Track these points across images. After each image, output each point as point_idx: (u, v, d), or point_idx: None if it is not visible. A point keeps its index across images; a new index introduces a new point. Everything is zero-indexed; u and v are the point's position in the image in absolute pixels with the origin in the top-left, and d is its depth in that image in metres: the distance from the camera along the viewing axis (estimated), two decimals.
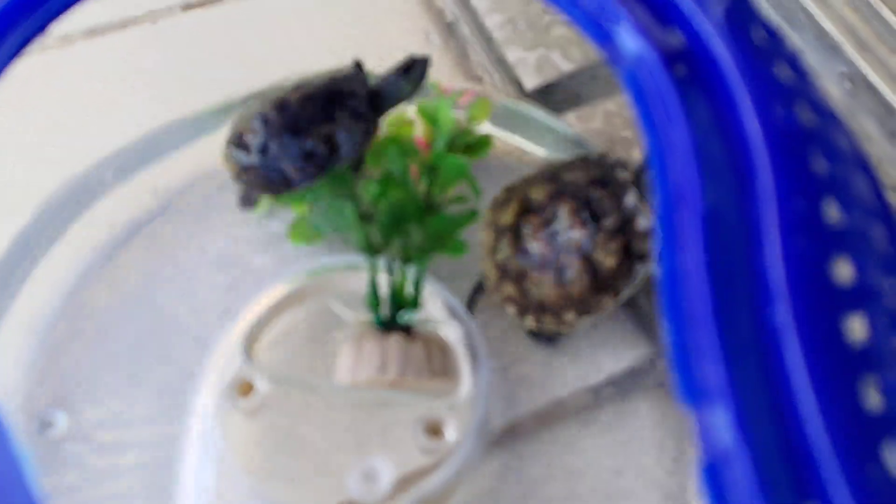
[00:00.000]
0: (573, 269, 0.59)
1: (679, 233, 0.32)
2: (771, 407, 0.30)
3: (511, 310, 0.63)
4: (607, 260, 0.59)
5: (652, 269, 0.62)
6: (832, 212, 0.33)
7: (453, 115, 0.65)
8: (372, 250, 0.58)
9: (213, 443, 0.56)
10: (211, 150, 0.71)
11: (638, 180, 0.61)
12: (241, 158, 0.61)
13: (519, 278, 0.61)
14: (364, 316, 0.59)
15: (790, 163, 0.33)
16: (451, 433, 0.56)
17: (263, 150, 0.60)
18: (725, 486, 0.27)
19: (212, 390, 0.57)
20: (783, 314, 0.30)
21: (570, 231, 0.59)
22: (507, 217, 0.62)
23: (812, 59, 0.78)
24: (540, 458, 0.61)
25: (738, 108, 0.35)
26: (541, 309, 0.62)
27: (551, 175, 0.62)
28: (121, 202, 0.69)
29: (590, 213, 0.59)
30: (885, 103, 0.73)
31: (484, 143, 0.67)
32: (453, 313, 0.61)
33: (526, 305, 0.62)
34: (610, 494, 0.60)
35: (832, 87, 0.75)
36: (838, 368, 0.29)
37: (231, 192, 0.69)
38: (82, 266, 0.66)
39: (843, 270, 0.33)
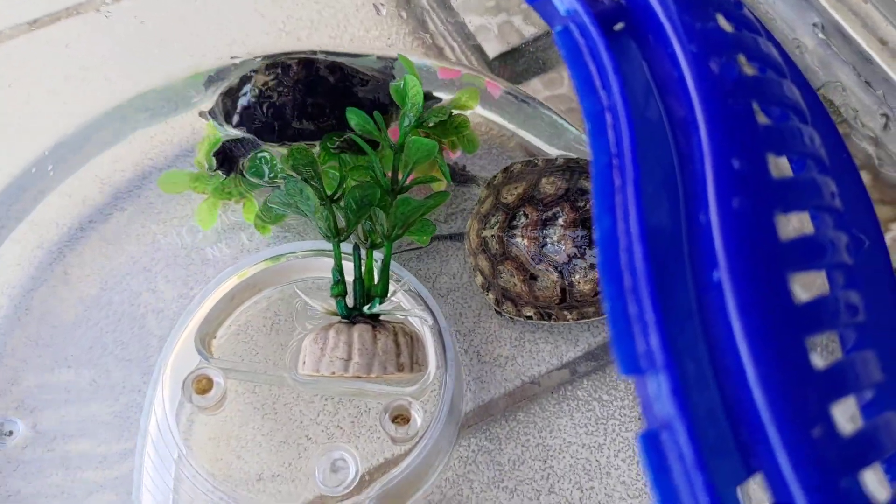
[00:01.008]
0: (547, 281, 0.60)
1: (613, 199, 0.32)
2: (713, 374, 0.30)
3: (478, 279, 0.64)
4: (584, 286, 0.60)
5: None
6: (775, 166, 0.33)
7: (421, 92, 0.64)
8: (336, 236, 0.58)
9: (171, 443, 0.56)
10: (157, 137, 0.71)
11: None
12: (244, 101, 0.62)
13: (495, 259, 0.62)
14: (328, 305, 0.59)
15: (728, 118, 0.33)
16: (418, 420, 0.56)
17: (275, 93, 0.62)
18: (665, 455, 0.27)
19: (168, 389, 0.57)
20: (722, 275, 0.30)
21: (559, 244, 0.59)
22: (511, 195, 0.63)
23: (784, 10, 0.78)
24: (515, 438, 0.61)
25: (677, 64, 0.35)
26: (504, 295, 0.63)
27: (571, 173, 0.62)
28: (66, 198, 0.68)
29: (586, 235, 0.59)
30: (859, 52, 0.73)
31: (462, 124, 0.65)
32: (421, 301, 0.61)
33: (493, 285, 0.63)
34: (590, 471, 0.60)
35: (806, 38, 0.75)
36: (781, 328, 0.29)
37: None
38: (32, 268, 0.66)
39: (788, 226, 0.33)
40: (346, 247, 0.61)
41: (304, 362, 0.56)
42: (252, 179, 0.61)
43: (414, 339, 0.58)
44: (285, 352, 0.61)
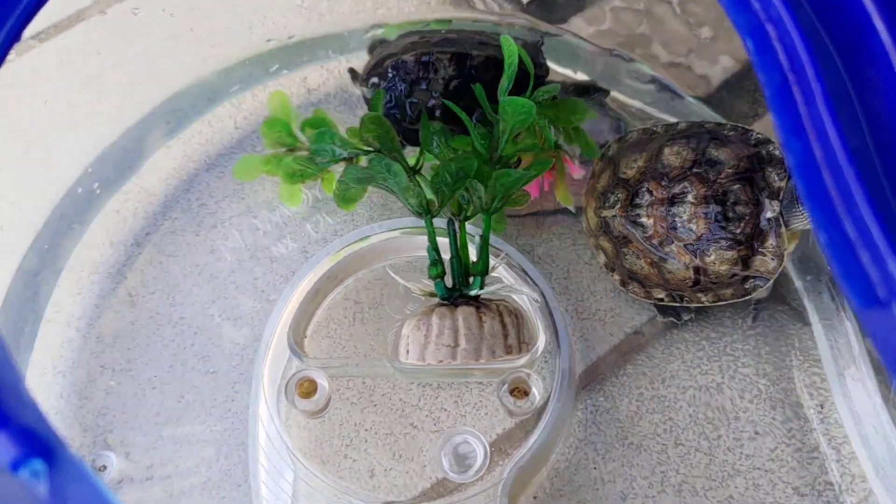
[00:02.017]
0: (678, 263, 0.56)
1: (801, 119, 0.29)
2: None
3: (600, 259, 0.60)
4: (720, 267, 0.55)
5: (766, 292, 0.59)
6: None
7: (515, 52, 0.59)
8: (429, 212, 0.55)
9: (283, 451, 0.54)
10: (196, 139, 0.68)
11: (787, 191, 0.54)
12: (391, 95, 0.61)
13: (618, 241, 0.58)
14: (424, 286, 0.55)
15: None
16: (537, 392, 0.54)
17: (425, 94, 0.61)
18: None
19: (270, 396, 0.55)
20: None
21: (690, 223, 0.54)
22: (630, 169, 0.58)
23: None
24: (629, 393, 0.59)
25: None
26: (631, 276, 0.59)
27: (698, 140, 0.56)
28: (115, 215, 0.65)
29: (721, 211, 0.54)
30: None
31: (579, 110, 0.59)
32: (522, 272, 0.58)
33: (616, 266, 0.59)
34: (710, 418, 0.58)
35: None
36: None
37: (228, 176, 0.66)
38: (94, 295, 0.63)
39: None
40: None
41: (408, 351, 0.54)
42: (319, 161, 0.57)
43: (519, 317, 0.54)
44: (378, 341, 0.59)
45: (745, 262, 0.55)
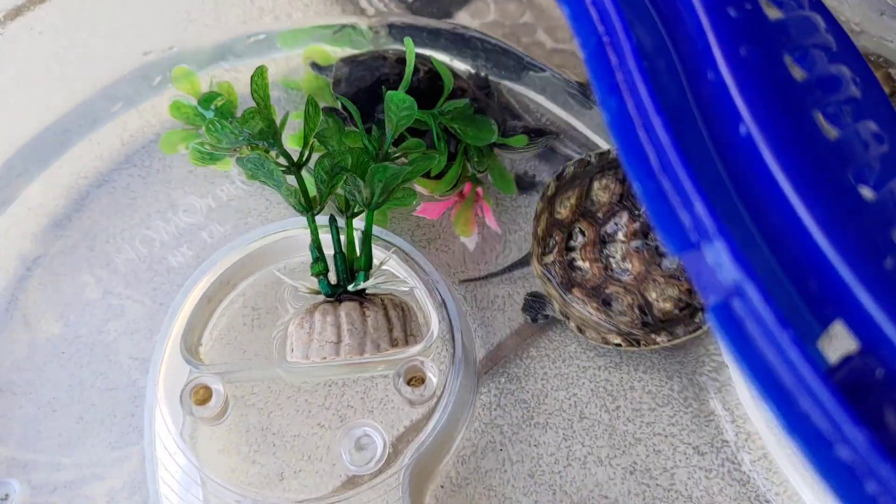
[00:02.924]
0: (622, 305, 0.55)
1: (614, 77, 0.30)
2: (760, 236, 0.29)
3: (555, 306, 0.58)
4: (664, 304, 0.54)
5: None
6: (772, 11, 0.32)
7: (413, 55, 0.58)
8: (309, 209, 0.55)
9: (187, 463, 0.54)
10: (86, 156, 0.67)
11: None
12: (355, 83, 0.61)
13: (563, 287, 0.57)
14: (311, 285, 0.56)
15: None
16: (434, 378, 0.55)
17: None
18: (741, 322, 0.26)
19: (166, 407, 0.54)
20: (750, 127, 0.28)
21: (624, 262, 0.53)
22: (564, 208, 0.56)
23: None
24: (533, 374, 0.60)
25: None
26: (583, 323, 0.57)
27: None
28: (2, 238, 0.64)
29: (654, 246, 0.52)
30: None
31: (485, 129, 0.59)
32: (412, 265, 0.59)
33: (569, 313, 0.58)
34: (610, 391, 0.59)
35: None
36: (822, 164, 0.28)
37: (120, 190, 0.65)
38: None
39: (797, 70, 0.32)
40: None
41: (293, 350, 0.54)
42: (212, 147, 0.56)
43: (406, 311, 0.55)
44: (275, 343, 0.59)
45: (690, 294, 0.53)
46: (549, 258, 0.56)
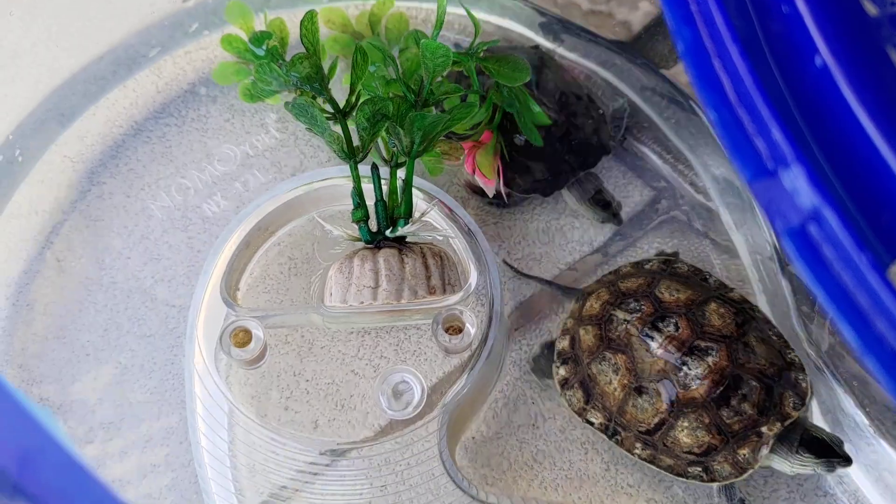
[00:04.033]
0: (650, 405, 0.53)
1: (689, 7, 0.30)
2: (837, 163, 0.29)
3: (562, 343, 0.58)
4: (683, 437, 0.52)
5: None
6: None
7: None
8: (352, 156, 0.55)
9: (220, 403, 0.54)
10: (120, 102, 0.67)
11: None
12: None
13: (607, 342, 0.55)
14: (351, 232, 0.56)
15: None
16: (472, 328, 0.55)
17: None
18: (817, 246, 0.26)
19: (206, 349, 0.55)
20: (826, 58, 0.29)
21: (694, 381, 0.52)
22: (672, 295, 0.55)
23: None
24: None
25: None
26: (583, 382, 0.56)
27: (745, 319, 0.54)
28: (39, 185, 0.65)
29: (728, 395, 0.51)
30: None
31: (521, 69, 0.57)
32: (451, 217, 0.59)
33: (577, 361, 0.56)
34: None
35: None
36: (894, 98, 0.28)
37: (156, 139, 0.65)
38: (21, 261, 0.62)
39: (869, 6, 0.32)
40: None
41: (331, 294, 0.55)
42: (262, 88, 0.56)
43: (444, 260, 0.56)
44: (312, 290, 0.59)
45: (709, 451, 0.52)
46: (623, 315, 0.55)
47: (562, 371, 0.57)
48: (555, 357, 0.57)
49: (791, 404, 0.52)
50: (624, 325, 0.55)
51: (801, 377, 0.53)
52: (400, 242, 0.55)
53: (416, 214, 0.56)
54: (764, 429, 0.51)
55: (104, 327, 0.60)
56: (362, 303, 0.53)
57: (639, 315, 0.54)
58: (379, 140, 0.57)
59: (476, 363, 0.54)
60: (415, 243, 0.55)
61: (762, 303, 0.59)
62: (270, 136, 0.66)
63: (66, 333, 0.60)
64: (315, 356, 0.59)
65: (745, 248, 0.61)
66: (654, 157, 0.64)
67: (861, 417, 0.55)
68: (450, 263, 0.55)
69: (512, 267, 0.62)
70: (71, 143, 0.66)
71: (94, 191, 0.65)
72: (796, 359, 0.54)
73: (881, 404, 0.56)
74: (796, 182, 0.27)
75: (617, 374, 0.54)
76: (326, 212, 0.60)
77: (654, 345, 0.53)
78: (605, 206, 0.62)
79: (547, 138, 0.60)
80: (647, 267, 0.59)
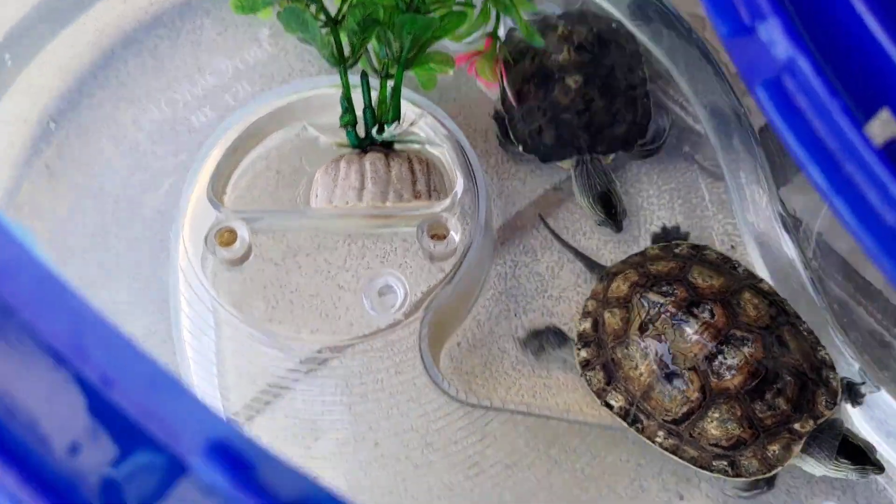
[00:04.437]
0: (679, 393, 0.51)
1: None
2: (811, 20, 0.29)
3: (583, 325, 0.56)
4: (712, 429, 0.51)
5: None
6: None
7: None
8: (343, 62, 0.55)
9: (206, 303, 0.55)
10: (110, 13, 0.67)
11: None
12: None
13: (637, 325, 0.53)
14: (339, 138, 0.57)
15: None
16: (456, 235, 0.56)
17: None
18: (791, 96, 0.27)
19: (191, 250, 0.55)
20: None
21: (729, 371, 0.50)
22: (705, 281, 0.54)
23: None
24: (549, 247, 0.61)
25: None
26: (604, 366, 0.55)
27: (778, 313, 0.53)
28: (27, 94, 0.65)
29: (763, 387, 0.50)
30: None
31: None
32: (441, 128, 0.59)
33: (600, 344, 0.55)
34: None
35: None
36: None
37: (147, 52, 0.65)
38: (10, 167, 0.62)
39: None
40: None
41: (317, 195, 0.55)
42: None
43: (431, 167, 0.56)
44: (299, 194, 0.59)
45: (738, 445, 0.51)
46: (655, 298, 0.53)
47: (583, 353, 0.55)
48: (576, 339, 0.56)
49: (824, 403, 0.51)
50: (657, 308, 0.53)
51: (831, 375, 0.52)
52: (387, 148, 0.55)
53: (405, 124, 0.57)
54: (797, 426, 0.50)
55: (91, 232, 0.61)
56: (347, 203, 0.53)
57: (673, 299, 0.52)
58: (371, 50, 0.57)
59: (460, 267, 0.55)
60: (402, 150, 0.56)
61: (743, 222, 0.60)
62: (263, 49, 0.66)
63: (53, 237, 0.61)
64: (300, 267, 0.59)
65: (729, 172, 0.62)
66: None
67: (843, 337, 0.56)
68: (436, 171, 0.56)
69: (547, 225, 0.61)
70: (61, 52, 0.66)
71: (83, 101, 0.65)
72: (827, 357, 0.53)
73: (863, 329, 0.57)
74: (772, 33, 0.27)
75: (645, 360, 0.52)
76: (315, 121, 0.60)
77: (689, 330, 0.51)
78: (608, 209, 0.59)
79: (569, 106, 0.60)
80: (676, 251, 0.57)
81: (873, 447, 0.52)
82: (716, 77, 0.62)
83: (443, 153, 0.58)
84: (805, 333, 0.54)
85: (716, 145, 0.62)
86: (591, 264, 0.59)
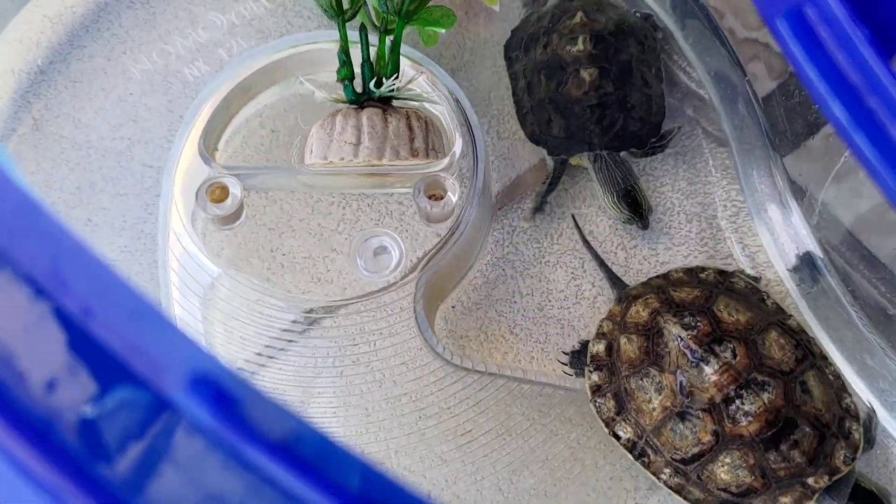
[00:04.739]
0: (691, 433, 0.49)
1: None
2: None
3: (596, 348, 0.54)
4: (722, 474, 0.49)
5: None
6: None
7: None
8: (341, 13, 0.54)
9: (196, 261, 0.53)
10: None
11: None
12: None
13: (654, 358, 0.51)
14: (336, 95, 0.55)
15: None
16: (453, 196, 0.54)
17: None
18: (813, 27, 0.25)
19: (182, 206, 0.54)
20: None
21: (746, 417, 0.48)
22: (731, 315, 0.51)
23: None
24: (550, 212, 0.59)
25: None
26: (616, 395, 0.52)
27: (805, 353, 0.50)
28: (17, 45, 0.63)
29: (779, 437, 0.48)
30: None
31: None
32: (441, 86, 0.57)
33: (612, 370, 0.52)
34: (629, 229, 0.59)
35: None
36: None
37: (139, 3, 0.64)
38: None
39: None
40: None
41: (312, 151, 0.54)
42: None
43: (429, 125, 0.55)
44: (294, 151, 0.58)
45: (747, 493, 0.48)
46: (677, 330, 0.50)
47: (594, 377, 0.52)
48: (587, 360, 0.53)
49: (842, 458, 0.49)
50: (676, 342, 0.50)
51: (854, 427, 0.50)
52: (385, 104, 0.54)
53: (404, 81, 0.55)
54: (811, 480, 0.48)
55: (77, 185, 0.59)
56: (342, 159, 0.52)
57: (694, 333, 0.50)
58: (370, 4, 0.55)
59: (457, 228, 0.54)
60: (400, 107, 0.54)
61: (747, 188, 0.59)
62: (259, 4, 0.64)
63: (37, 190, 0.59)
64: (293, 229, 0.58)
65: (734, 138, 0.60)
66: None
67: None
68: (434, 129, 0.54)
69: (579, 229, 0.59)
70: (51, 2, 0.64)
71: (74, 53, 0.63)
72: (852, 405, 0.51)
73: (867, 302, 0.56)
74: None
75: (660, 394, 0.50)
76: (312, 77, 0.59)
77: (708, 370, 0.49)
78: (634, 207, 0.57)
79: (581, 99, 0.58)
80: (702, 276, 0.55)
81: (887, 491, 0.50)
82: (720, 43, 0.61)
83: (442, 112, 0.57)
84: (831, 378, 0.51)
85: (720, 110, 0.61)
86: (613, 279, 0.57)
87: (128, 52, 0.63)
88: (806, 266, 0.56)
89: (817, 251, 0.56)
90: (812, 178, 0.57)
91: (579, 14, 0.59)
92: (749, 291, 0.54)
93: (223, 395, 0.23)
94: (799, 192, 0.58)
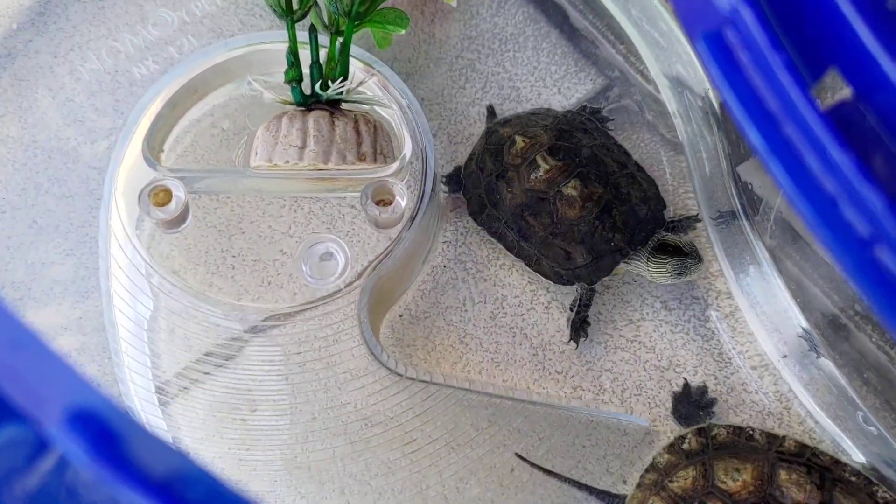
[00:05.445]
0: None
1: None
2: None
3: None
4: None
5: None
6: None
7: None
8: (290, 14, 0.52)
9: (138, 266, 0.52)
10: None
11: None
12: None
13: None
14: (284, 96, 0.54)
15: None
16: (402, 201, 0.53)
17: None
18: (731, 49, 0.24)
19: (124, 210, 0.52)
20: None
21: None
22: (735, 481, 0.47)
23: None
24: None
25: None
26: None
27: (821, 477, 0.47)
28: None
29: None
30: None
31: None
32: (392, 89, 0.56)
33: None
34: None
35: None
36: None
37: (91, 1, 0.62)
38: None
39: None
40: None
41: (257, 153, 0.52)
42: None
43: (378, 129, 0.54)
44: (239, 153, 0.56)
45: None
46: None
47: None
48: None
49: None
50: None
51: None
52: (333, 107, 0.53)
53: (354, 83, 0.54)
54: None
55: (22, 186, 0.58)
56: (287, 162, 0.50)
57: None
58: (322, 4, 0.54)
59: (404, 237, 0.52)
60: (349, 110, 0.53)
61: (703, 200, 0.58)
62: (211, 2, 0.62)
63: None
64: (243, 232, 0.57)
65: (690, 145, 0.59)
66: (607, 46, 0.62)
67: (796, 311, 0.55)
68: (384, 133, 0.53)
69: (538, 466, 0.53)
70: None
71: (19, 48, 0.61)
72: (888, 496, 0.47)
73: (818, 311, 0.55)
74: None
75: None
76: (262, 77, 0.57)
77: None
78: (676, 253, 0.53)
79: (582, 214, 0.53)
80: (684, 447, 0.51)
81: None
82: (679, 47, 0.59)
83: (392, 115, 0.55)
84: (853, 479, 0.48)
85: (676, 117, 0.60)
86: (603, 497, 0.52)
87: (75, 48, 0.61)
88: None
89: (765, 255, 0.55)
90: (766, 187, 0.56)
91: (517, 138, 0.55)
92: (734, 437, 0.50)
93: (103, 430, 0.22)
94: (753, 200, 0.57)
